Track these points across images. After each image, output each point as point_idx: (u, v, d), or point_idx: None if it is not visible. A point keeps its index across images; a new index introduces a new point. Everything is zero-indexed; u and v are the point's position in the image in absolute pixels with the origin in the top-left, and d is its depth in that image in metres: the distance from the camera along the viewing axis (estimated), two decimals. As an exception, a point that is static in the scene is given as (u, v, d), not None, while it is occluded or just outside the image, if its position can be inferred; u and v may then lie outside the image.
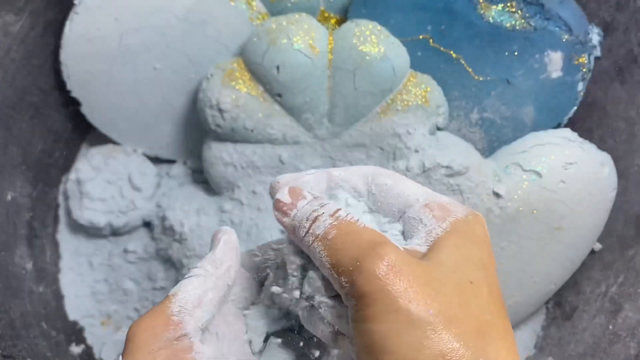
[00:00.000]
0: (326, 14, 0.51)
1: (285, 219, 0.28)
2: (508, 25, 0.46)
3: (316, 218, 0.26)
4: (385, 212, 0.28)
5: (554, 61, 0.46)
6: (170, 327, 0.26)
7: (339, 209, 0.26)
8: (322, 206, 0.27)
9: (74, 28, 0.46)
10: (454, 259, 0.25)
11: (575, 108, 0.49)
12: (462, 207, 0.27)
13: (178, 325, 0.26)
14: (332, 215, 0.26)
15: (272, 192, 0.29)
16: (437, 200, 0.27)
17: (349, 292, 0.24)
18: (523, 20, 0.46)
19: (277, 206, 0.28)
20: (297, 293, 0.27)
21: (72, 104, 0.51)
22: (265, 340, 0.30)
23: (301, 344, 0.30)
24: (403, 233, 0.27)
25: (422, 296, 0.23)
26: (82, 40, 0.47)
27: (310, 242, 0.26)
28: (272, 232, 0.47)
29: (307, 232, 0.26)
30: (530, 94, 0.47)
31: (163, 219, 0.49)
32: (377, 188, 0.29)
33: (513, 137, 0.47)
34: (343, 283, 0.24)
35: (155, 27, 0.47)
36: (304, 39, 0.43)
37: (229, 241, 0.30)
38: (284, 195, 0.28)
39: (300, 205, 0.27)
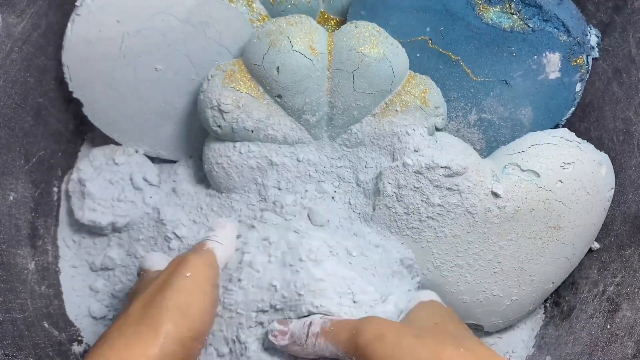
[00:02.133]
0: (326, 16, 0.51)
1: (283, 341, 0.37)
2: (506, 26, 0.46)
3: (310, 323, 0.37)
4: None
5: (552, 62, 0.47)
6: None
7: (321, 317, 0.38)
8: (308, 319, 0.37)
9: (75, 30, 0.47)
10: (420, 314, 0.40)
11: (573, 109, 0.49)
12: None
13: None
14: (321, 318, 0.37)
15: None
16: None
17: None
18: (521, 22, 0.46)
19: (274, 335, 0.37)
20: None
21: (73, 105, 0.51)
22: None
23: None
24: None
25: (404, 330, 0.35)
26: (83, 42, 0.47)
27: (314, 341, 0.36)
28: (272, 232, 0.47)
29: (307, 336, 0.36)
30: (528, 94, 0.47)
31: (163, 218, 0.49)
32: None
33: (511, 138, 0.48)
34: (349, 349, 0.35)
35: (156, 29, 0.47)
36: (303, 41, 0.43)
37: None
38: (275, 326, 0.38)
39: (292, 327, 0.37)
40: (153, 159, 0.54)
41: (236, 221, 0.47)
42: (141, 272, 0.43)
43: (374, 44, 0.43)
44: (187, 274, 0.37)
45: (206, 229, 0.48)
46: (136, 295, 0.38)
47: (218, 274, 0.39)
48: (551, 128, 0.49)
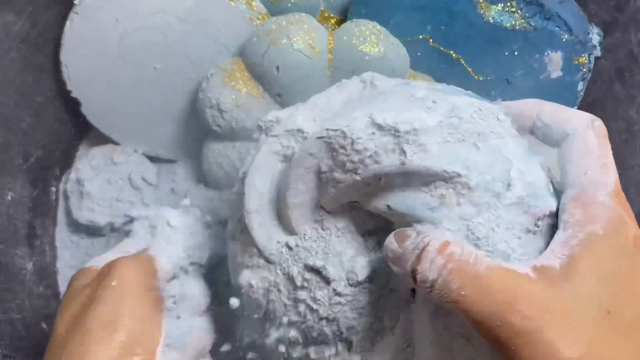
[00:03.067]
0: (326, 14, 0.51)
1: (395, 264, 0.25)
2: (508, 25, 0.46)
3: (420, 256, 0.24)
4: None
5: (554, 61, 0.46)
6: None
7: (448, 243, 0.24)
8: (426, 238, 0.25)
9: (74, 28, 0.46)
10: (590, 286, 0.23)
11: (575, 108, 0.49)
12: (610, 213, 0.25)
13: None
14: (441, 253, 0.24)
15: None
16: (588, 197, 0.25)
17: (493, 342, 0.23)
18: (523, 20, 0.46)
19: (388, 257, 0.26)
20: None
21: (72, 104, 0.51)
22: None
23: None
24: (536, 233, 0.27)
25: (567, 339, 0.22)
26: (82, 41, 0.47)
27: (428, 285, 0.24)
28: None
29: (415, 272, 0.24)
30: (530, 93, 0.47)
31: (163, 218, 0.49)
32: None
33: (513, 137, 0.47)
34: (483, 331, 0.23)
35: (155, 28, 0.47)
36: (303, 39, 0.43)
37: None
38: (392, 243, 0.26)
39: (406, 246, 0.25)
40: (152, 159, 0.53)
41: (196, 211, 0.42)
42: (77, 275, 0.36)
43: (375, 43, 0.43)
44: (113, 283, 0.32)
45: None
46: (63, 310, 0.33)
47: (154, 276, 0.34)
48: (553, 127, 0.48)
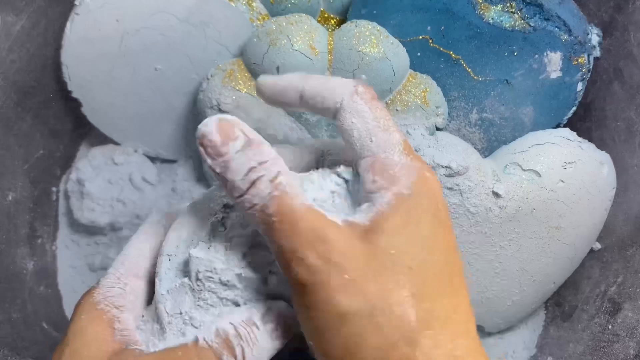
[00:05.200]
0: (326, 15, 0.51)
1: (217, 166, 0.25)
2: (507, 25, 0.46)
3: (254, 182, 0.24)
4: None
5: (553, 61, 0.47)
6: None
7: (279, 172, 0.24)
8: (261, 164, 0.24)
9: (74, 29, 0.46)
10: (395, 243, 0.23)
11: (574, 108, 0.49)
12: (409, 171, 0.25)
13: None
14: (272, 181, 0.24)
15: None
16: (382, 160, 0.25)
17: (290, 278, 0.24)
18: (522, 21, 0.46)
19: (204, 143, 0.25)
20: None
21: (72, 105, 0.51)
22: None
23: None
24: (350, 186, 0.27)
25: (358, 290, 0.22)
26: (83, 41, 0.47)
27: (247, 208, 0.24)
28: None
29: (243, 195, 0.24)
30: (529, 94, 0.47)
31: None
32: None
33: (512, 137, 0.47)
34: (283, 266, 0.24)
35: (156, 28, 0.47)
36: (303, 40, 0.43)
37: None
38: (211, 131, 0.24)
39: (233, 150, 0.24)
40: (152, 159, 0.54)
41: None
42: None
43: (375, 43, 0.43)
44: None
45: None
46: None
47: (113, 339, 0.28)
48: (552, 127, 0.48)
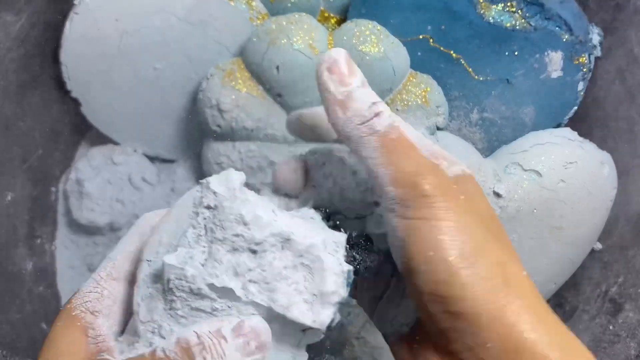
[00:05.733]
0: (326, 14, 0.51)
1: (339, 94, 0.27)
2: (508, 25, 0.46)
3: (379, 113, 0.27)
4: None
5: (554, 61, 0.46)
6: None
7: (394, 115, 0.28)
8: (380, 102, 0.28)
9: (74, 28, 0.46)
10: (473, 201, 0.28)
11: (575, 108, 0.49)
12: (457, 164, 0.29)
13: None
14: (390, 117, 0.27)
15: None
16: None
17: (412, 195, 0.26)
18: (523, 20, 0.46)
19: (333, 70, 0.27)
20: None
21: (72, 104, 0.51)
22: None
23: None
24: None
25: (473, 211, 0.26)
26: (82, 41, 0.47)
27: (368, 133, 0.26)
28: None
29: (367, 121, 0.27)
30: (530, 93, 0.47)
31: (163, 219, 0.49)
32: None
33: (513, 137, 0.47)
34: (398, 184, 0.26)
35: (155, 28, 0.47)
36: (303, 39, 0.43)
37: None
38: (343, 62, 0.27)
39: (355, 84, 0.27)
40: (152, 159, 0.53)
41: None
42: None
43: (375, 43, 0.43)
44: None
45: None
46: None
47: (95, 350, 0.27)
48: (553, 127, 0.48)
